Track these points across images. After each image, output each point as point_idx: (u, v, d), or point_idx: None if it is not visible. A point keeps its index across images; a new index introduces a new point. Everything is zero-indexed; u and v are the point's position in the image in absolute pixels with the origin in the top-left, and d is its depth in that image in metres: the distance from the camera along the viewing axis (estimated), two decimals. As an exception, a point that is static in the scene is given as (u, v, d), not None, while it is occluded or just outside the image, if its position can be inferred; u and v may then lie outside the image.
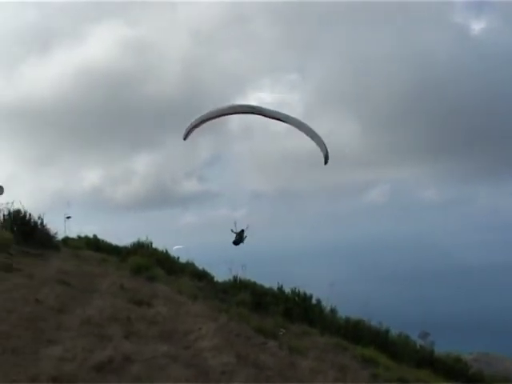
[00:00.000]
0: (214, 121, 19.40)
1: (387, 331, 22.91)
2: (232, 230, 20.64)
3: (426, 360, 22.60)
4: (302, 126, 18.33)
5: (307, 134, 18.26)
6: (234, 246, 20.81)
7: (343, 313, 23.44)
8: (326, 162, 18.24)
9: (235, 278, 24.00)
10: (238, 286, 23.31)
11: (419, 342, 26.43)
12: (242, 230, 20.66)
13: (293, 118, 18.48)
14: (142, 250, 27.00)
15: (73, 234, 34.94)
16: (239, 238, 20.71)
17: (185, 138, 19.96)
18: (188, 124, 19.68)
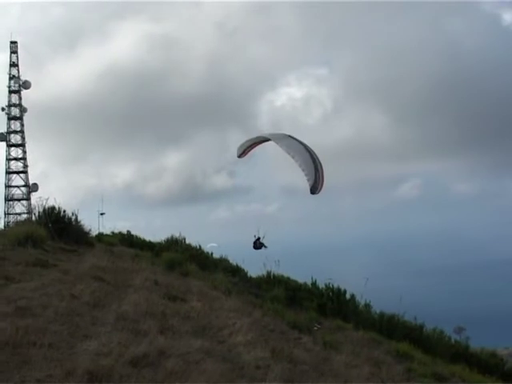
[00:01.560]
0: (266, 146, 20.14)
1: (421, 326, 22.73)
2: (254, 236, 22.38)
3: (460, 355, 22.40)
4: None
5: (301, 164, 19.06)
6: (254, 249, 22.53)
7: (377, 308, 23.33)
8: (312, 193, 18.87)
9: (269, 273, 24.01)
10: (271, 281, 23.31)
11: (454, 337, 26.23)
12: (259, 238, 22.36)
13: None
14: (175, 245, 27.15)
15: (107, 230, 35.34)
16: (256, 245, 22.52)
17: (239, 156, 20.97)
18: (243, 141, 20.35)
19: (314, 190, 19.16)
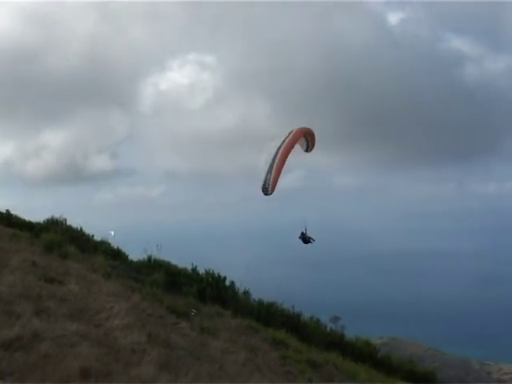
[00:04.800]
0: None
1: (299, 315, 23.37)
2: (303, 233, 23.86)
3: (335, 343, 23.20)
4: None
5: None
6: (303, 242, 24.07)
7: (257, 295, 23.72)
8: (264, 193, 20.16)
9: (149, 257, 23.86)
10: (152, 265, 23.18)
11: (330, 326, 27.08)
12: (303, 233, 23.85)
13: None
14: (55, 226, 26.46)
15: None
16: (306, 240, 23.99)
17: (270, 193, 20.60)
18: (263, 177, 20.48)
19: (263, 190, 20.20)
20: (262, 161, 20.78)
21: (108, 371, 8.75)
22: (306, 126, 22.49)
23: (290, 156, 20.89)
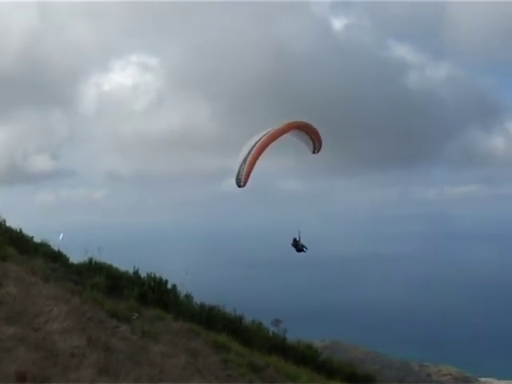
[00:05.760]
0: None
1: (241, 318, 23.38)
2: (295, 240, 23.48)
3: (277, 347, 23.27)
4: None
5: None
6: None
7: (199, 299, 23.65)
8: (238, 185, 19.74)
9: (91, 260, 23.55)
10: (93, 268, 22.89)
11: (272, 329, 27.17)
12: (296, 240, 23.59)
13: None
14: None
15: None
16: (298, 247, 23.75)
17: (243, 185, 19.93)
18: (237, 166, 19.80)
19: (237, 181, 19.68)
20: (241, 152, 20.11)
21: (46, 375, 8.63)
22: (304, 121, 21.22)
23: (270, 149, 20.08)
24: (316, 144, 21.83)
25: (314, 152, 22.13)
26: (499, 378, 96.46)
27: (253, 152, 19.66)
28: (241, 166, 19.57)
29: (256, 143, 19.86)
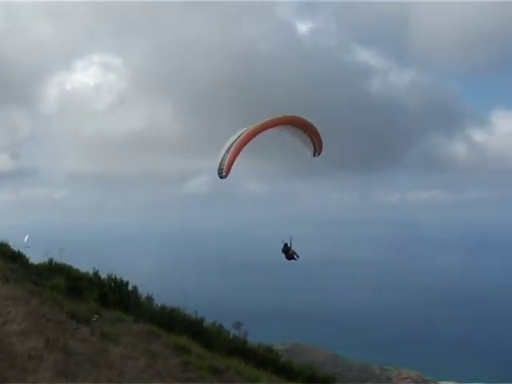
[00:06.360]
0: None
1: (202, 320, 23.35)
2: (285, 243, 22.13)
3: (238, 349, 23.27)
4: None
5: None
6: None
7: (160, 301, 23.56)
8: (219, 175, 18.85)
9: (51, 261, 23.33)
10: (53, 269, 22.67)
11: (233, 332, 27.19)
12: (287, 245, 22.16)
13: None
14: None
15: None
16: (289, 255, 22.24)
17: (225, 176, 18.96)
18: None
19: (218, 171, 18.77)
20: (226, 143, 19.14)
21: (2, 378, 8.54)
22: (301, 117, 19.89)
23: (258, 140, 19.10)
24: (316, 146, 20.67)
25: (314, 155, 20.87)
26: (458, 381, 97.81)
27: (238, 142, 18.89)
28: (224, 155, 18.81)
29: (242, 134, 19.10)
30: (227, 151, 18.77)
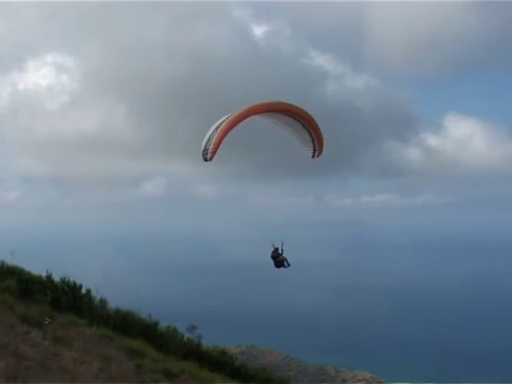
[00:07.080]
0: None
1: (156, 323, 23.18)
2: (275, 248, 21.16)
3: (192, 353, 23.19)
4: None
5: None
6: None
7: (114, 304, 23.34)
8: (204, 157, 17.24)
9: (2, 263, 22.93)
10: (4, 271, 22.28)
11: (187, 335, 27.09)
12: (276, 251, 21.26)
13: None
14: None
15: None
16: (278, 262, 21.27)
17: (210, 158, 16.87)
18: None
19: (203, 152, 16.75)
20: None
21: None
22: (303, 109, 18.24)
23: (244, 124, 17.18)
24: (317, 145, 19.17)
25: (313, 156, 19.33)
26: (412, 381, 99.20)
27: (225, 124, 16.99)
28: (212, 133, 16.88)
29: (232, 115, 17.23)
30: (216, 129, 16.96)
